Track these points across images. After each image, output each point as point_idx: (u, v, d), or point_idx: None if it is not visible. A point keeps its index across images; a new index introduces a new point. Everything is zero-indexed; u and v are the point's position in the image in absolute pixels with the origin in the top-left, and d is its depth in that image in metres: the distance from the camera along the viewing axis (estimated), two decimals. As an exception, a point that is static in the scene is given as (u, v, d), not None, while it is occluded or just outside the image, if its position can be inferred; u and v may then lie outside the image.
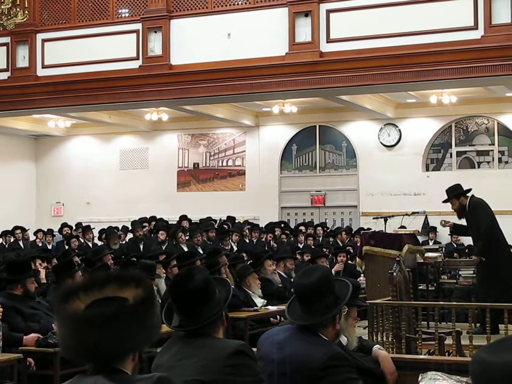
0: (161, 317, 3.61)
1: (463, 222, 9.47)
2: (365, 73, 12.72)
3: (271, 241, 15.53)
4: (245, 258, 11.97)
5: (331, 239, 16.35)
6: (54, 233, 17.42)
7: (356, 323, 4.36)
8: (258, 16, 13.64)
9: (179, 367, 3.36)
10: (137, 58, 14.48)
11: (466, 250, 13.74)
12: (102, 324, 2.18)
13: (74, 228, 17.16)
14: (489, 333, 7.01)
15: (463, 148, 17.97)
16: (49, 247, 16.53)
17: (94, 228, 16.32)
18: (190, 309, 3.43)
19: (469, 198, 9.21)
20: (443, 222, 9.76)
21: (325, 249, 13.13)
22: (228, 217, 17.61)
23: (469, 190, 9.34)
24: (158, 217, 17.42)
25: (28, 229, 17.45)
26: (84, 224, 17.01)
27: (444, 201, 9.44)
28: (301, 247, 15.01)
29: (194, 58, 13.96)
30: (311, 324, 3.72)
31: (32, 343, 6.82)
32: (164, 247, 13.83)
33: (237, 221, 17.38)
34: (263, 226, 17.09)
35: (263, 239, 15.94)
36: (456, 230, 9.62)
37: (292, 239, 15.92)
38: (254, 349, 3.73)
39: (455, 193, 9.27)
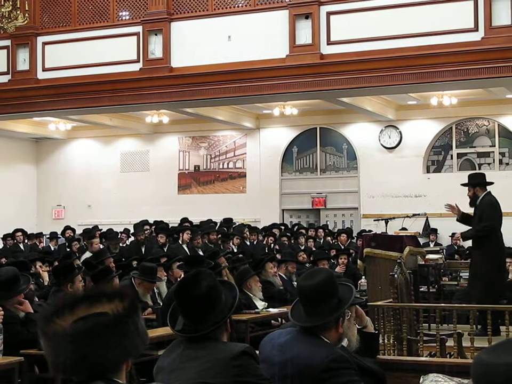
0: (166, 319, 3.62)
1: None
2: (365, 75, 12.72)
3: (272, 244, 15.50)
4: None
5: (331, 241, 16.33)
6: (58, 236, 17.38)
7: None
8: (258, 19, 13.64)
9: (182, 369, 3.35)
10: (138, 61, 14.48)
11: (467, 252, 13.74)
12: (86, 339, 2.22)
13: (82, 232, 16.96)
14: (491, 335, 7.01)
15: (464, 149, 17.97)
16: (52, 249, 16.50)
17: (101, 230, 16.24)
18: (194, 315, 3.41)
19: (485, 192, 9.20)
20: (448, 206, 9.63)
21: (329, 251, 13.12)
22: (224, 219, 17.45)
23: (490, 184, 9.34)
24: (158, 219, 17.40)
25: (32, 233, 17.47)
26: (85, 227, 16.94)
27: (462, 184, 9.43)
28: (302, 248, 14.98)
29: (195, 60, 13.96)
30: (313, 327, 3.72)
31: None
32: (165, 250, 13.83)
33: (238, 223, 17.30)
34: (262, 229, 16.98)
35: (264, 242, 15.90)
36: (462, 217, 9.54)
37: (293, 241, 15.90)
38: (256, 351, 3.72)
39: (473, 182, 9.27)
